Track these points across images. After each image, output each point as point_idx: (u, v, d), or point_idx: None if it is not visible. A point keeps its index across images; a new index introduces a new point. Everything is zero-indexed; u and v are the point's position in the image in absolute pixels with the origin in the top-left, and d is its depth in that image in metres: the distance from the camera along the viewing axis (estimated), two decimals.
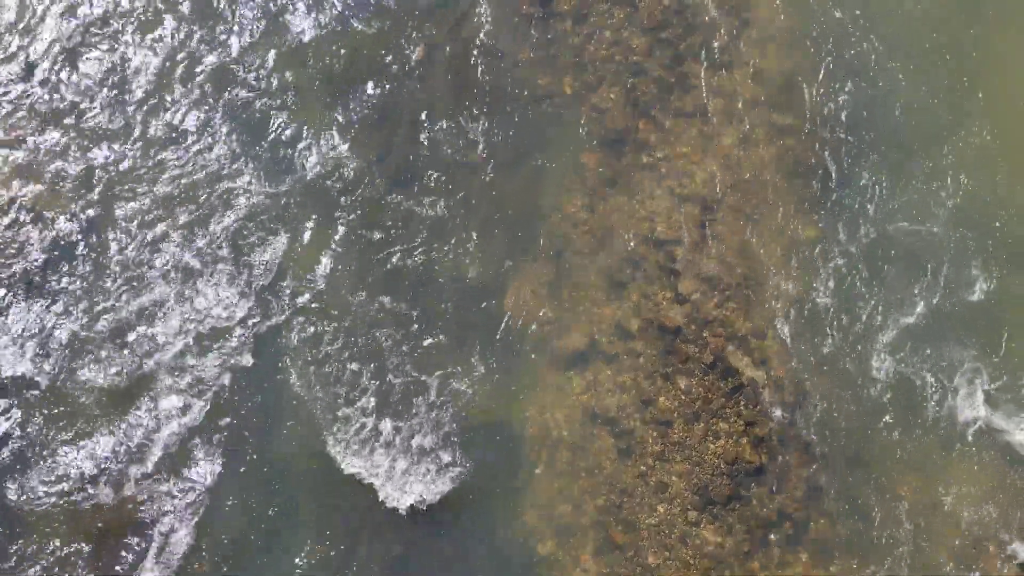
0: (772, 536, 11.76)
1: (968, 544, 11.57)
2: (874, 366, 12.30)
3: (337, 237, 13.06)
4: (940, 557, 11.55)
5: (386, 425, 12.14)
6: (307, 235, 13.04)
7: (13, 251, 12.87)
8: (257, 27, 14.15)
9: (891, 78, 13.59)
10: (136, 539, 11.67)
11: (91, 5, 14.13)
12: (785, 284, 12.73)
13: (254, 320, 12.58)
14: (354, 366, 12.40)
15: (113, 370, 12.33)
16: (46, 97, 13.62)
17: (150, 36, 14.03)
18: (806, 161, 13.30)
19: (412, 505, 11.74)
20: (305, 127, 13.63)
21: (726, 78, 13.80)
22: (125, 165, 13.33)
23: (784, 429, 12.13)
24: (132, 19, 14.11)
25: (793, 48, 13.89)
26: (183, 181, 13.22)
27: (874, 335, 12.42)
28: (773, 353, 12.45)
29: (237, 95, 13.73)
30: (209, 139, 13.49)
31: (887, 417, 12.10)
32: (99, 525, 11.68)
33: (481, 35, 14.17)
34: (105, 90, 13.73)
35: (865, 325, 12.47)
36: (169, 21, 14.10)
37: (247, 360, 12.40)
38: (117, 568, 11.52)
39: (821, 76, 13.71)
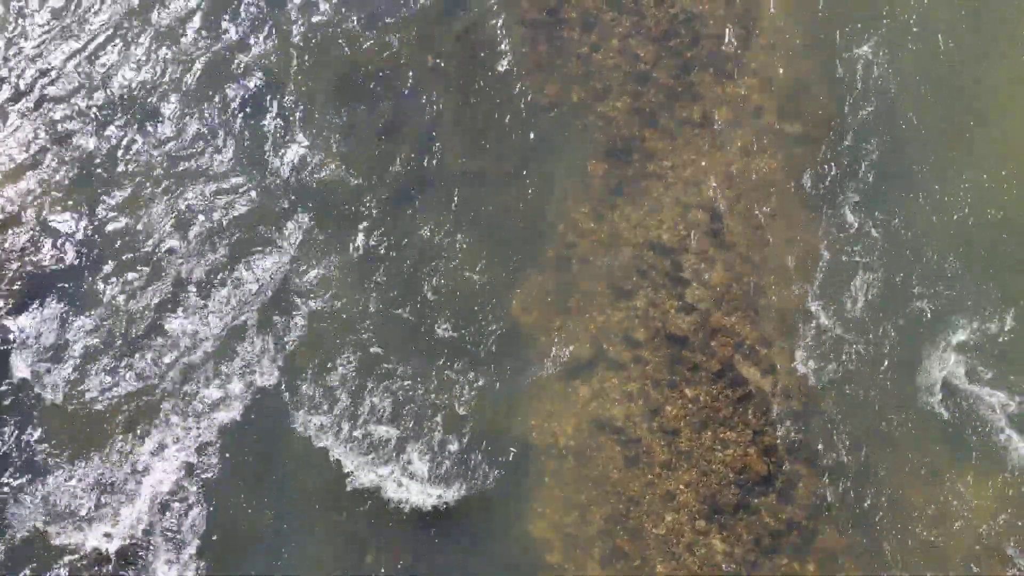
0: (780, 545, 11.71)
1: (978, 554, 11.50)
2: (882, 374, 12.26)
3: (342, 248, 13.06)
4: (949, 567, 11.48)
5: (393, 434, 12.12)
6: (311, 246, 13.05)
7: (19, 258, 12.91)
8: (260, 35, 14.20)
9: (900, 84, 13.58)
10: (141, 545, 11.65)
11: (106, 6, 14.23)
12: (793, 293, 12.71)
13: (258, 331, 12.58)
14: (360, 376, 12.39)
15: (119, 382, 12.34)
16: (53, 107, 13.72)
17: (154, 44, 14.09)
18: (814, 169, 13.29)
19: (427, 510, 11.72)
20: (310, 136, 13.65)
21: (733, 87, 13.81)
22: (126, 175, 13.38)
23: (792, 438, 12.09)
24: (134, 23, 14.20)
25: (801, 57, 13.90)
26: (184, 193, 13.27)
27: (883, 343, 12.39)
28: (781, 362, 12.41)
29: (241, 105, 13.77)
30: (210, 149, 13.52)
31: (895, 426, 12.05)
32: (106, 533, 11.68)
33: (488, 43, 14.20)
34: (103, 98, 13.81)
35: (874, 333, 12.43)
36: (172, 29, 14.17)
37: (254, 371, 12.41)
38: None
39: (829, 84, 13.71)
